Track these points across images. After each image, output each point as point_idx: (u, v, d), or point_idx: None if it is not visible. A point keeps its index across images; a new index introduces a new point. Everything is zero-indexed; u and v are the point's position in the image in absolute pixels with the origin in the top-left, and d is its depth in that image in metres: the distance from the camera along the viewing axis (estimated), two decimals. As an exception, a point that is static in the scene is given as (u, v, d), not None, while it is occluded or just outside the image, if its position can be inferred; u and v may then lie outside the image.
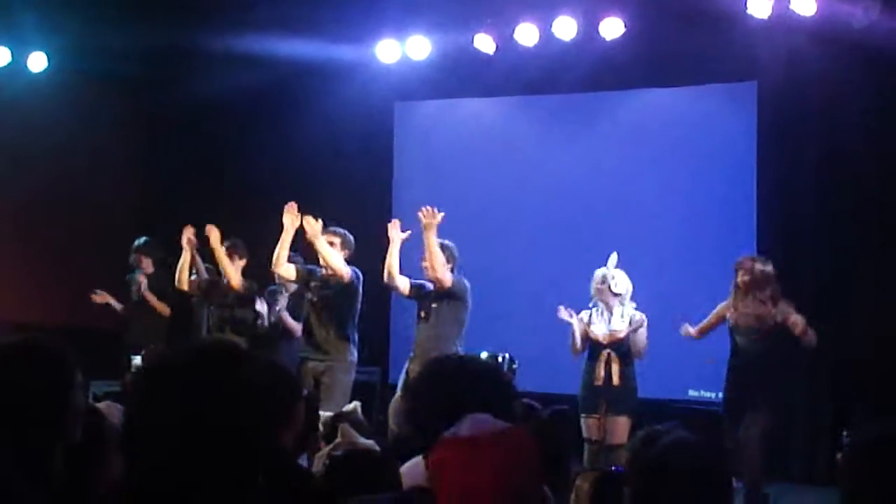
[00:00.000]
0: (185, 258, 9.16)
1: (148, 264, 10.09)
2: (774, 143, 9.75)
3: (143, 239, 10.18)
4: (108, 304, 10.18)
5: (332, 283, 8.27)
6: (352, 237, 8.45)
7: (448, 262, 8.13)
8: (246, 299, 9.13)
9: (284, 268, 8.40)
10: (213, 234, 8.93)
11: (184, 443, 1.89)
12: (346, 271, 8.20)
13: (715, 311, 8.08)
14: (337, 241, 8.31)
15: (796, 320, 7.63)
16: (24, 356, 2.67)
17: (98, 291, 10.15)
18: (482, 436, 2.37)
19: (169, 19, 10.11)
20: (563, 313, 8.26)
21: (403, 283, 8.28)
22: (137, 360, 9.16)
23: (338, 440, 4.28)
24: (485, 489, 2.31)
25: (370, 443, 4.47)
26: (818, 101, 9.50)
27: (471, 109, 11.18)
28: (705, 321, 8.14)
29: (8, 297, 10.63)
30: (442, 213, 8.02)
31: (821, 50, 9.27)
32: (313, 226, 8.10)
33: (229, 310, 9.17)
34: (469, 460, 2.29)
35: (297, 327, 8.95)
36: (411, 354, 8.23)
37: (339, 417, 5.41)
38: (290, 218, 8.24)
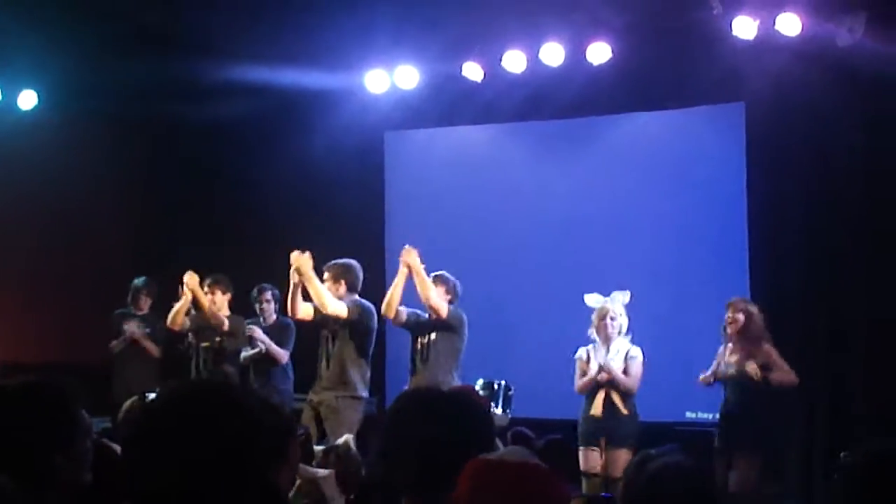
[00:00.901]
0: (184, 302, 9.04)
1: (146, 304, 10.09)
2: (763, 162, 9.77)
3: (142, 279, 10.15)
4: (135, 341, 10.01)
5: (342, 320, 8.20)
6: (346, 264, 8.33)
7: (447, 293, 8.16)
8: (232, 335, 9.13)
9: (302, 311, 8.28)
10: (193, 279, 8.89)
11: (180, 478, 1.90)
12: (337, 308, 8.07)
13: (714, 365, 8.09)
14: (327, 275, 8.24)
15: (754, 369, 7.67)
16: (23, 397, 2.66)
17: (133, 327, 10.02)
18: (519, 462, 2.32)
19: (157, 53, 10.14)
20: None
21: (399, 314, 8.25)
22: (152, 397, 9.12)
23: (298, 481, 4.21)
24: None
25: (326, 472, 4.45)
26: (805, 119, 9.52)
27: (460, 137, 11.19)
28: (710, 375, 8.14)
29: (9, 335, 10.61)
30: (415, 249, 8.04)
31: (806, 69, 9.30)
32: (302, 265, 7.96)
33: (218, 344, 9.16)
34: (500, 483, 2.25)
35: (282, 354, 8.99)
36: (408, 384, 8.22)
37: (327, 452, 5.40)
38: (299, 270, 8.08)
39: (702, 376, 8.11)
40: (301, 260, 7.98)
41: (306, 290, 8.12)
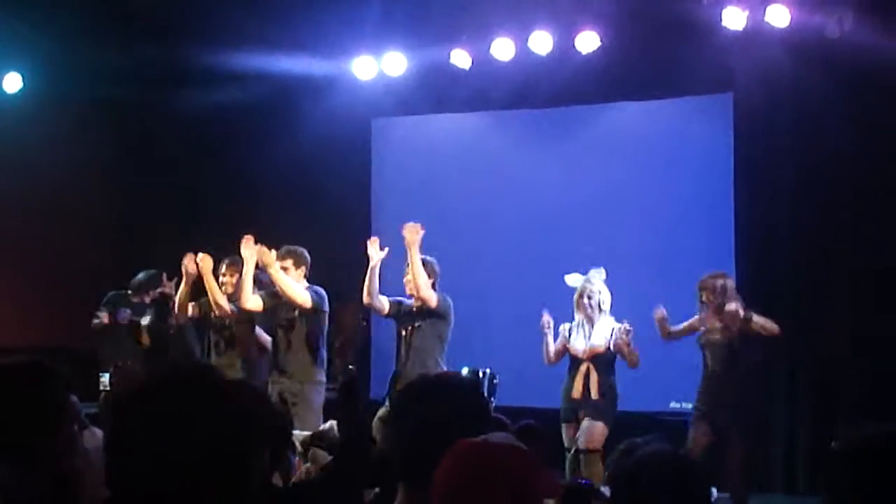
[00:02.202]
0: (184, 289, 8.82)
1: (148, 299, 9.96)
2: (751, 153, 9.78)
3: (153, 271, 9.98)
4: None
5: (296, 306, 8.18)
6: (305, 251, 8.31)
7: (430, 277, 8.10)
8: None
9: (251, 302, 8.26)
10: (206, 262, 8.72)
11: (161, 469, 1.88)
12: (304, 298, 8.07)
13: (688, 322, 8.15)
14: (289, 262, 8.19)
15: (756, 321, 7.71)
16: (8, 379, 2.62)
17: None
18: (503, 445, 2.33)
19: (144, 38, 10.11)
20: (544, 321, 8.27)
21: (382, 304, 8.21)
22: (105, 378, 9.06)
23: (308, 465, 4.28)
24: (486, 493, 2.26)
25: None
26: (793, 110, 9.54)
27: (448, 125, 11.17)
28: (678, 328, 8.20)
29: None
30: (423, 230, 7.97)
31: (795, 60, 9.32)
32: (266, 255, 7.94)
33: (226, 332, 9.03)
34: (483, 465, 2.25)
35: (268, 340, 8.92)
36: (394, 372, 8.19)
37: (316, 437, 5.41)
38: (248, 251, 8.08)
39: (661, 312, 8.16)
40: (265, 254, 7.93)
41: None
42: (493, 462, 2.22)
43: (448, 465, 2.24)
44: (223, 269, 8.82)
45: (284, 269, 8.14)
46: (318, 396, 8.13)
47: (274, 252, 8.05)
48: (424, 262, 8.04)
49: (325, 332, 8.34)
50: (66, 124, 11.01)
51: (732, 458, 7.73)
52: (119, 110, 11.31)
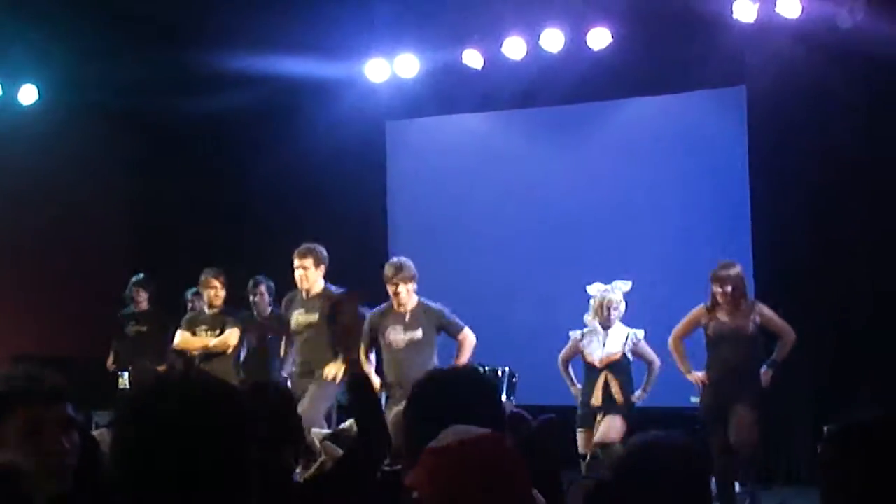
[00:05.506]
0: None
1: (143, 299, 10.10)
2: (765, 145, 9.76)
3: (140, 275, 10.17)
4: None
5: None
6: (324, 250, 8.28)
7: (413, 281, 8.08)
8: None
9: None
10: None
11: (156, 472, 1.92)
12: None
13: (689, 317, 8.09)
14: (309, 261, 8.18)
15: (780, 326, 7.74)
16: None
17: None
18: (463, 443, 2.34)
19: (157, 46, 10.15)
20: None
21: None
22: (125, 376, 9.18)
23: (323, 458, 4.34)
24: (468, 495, 2.28)
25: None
26: (807, 101, 9.49)
27: (462, 125, 11.17)
28: (682, 327, 8.13)
29: (13, 330, 10.64)
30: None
31: (808, 51, 9.28)
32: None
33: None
34: (450, 467, 2.27)
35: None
36: (387, 384, 8.08)
37: (336, 435, 5.44)
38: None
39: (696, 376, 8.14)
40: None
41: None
42: (463, 460, 2.23)
43: (424, 476, 2.26)
44: (202, 277, 8.88)
45: (304, 268, 8.15)
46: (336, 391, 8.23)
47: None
48: (403, 264, 8.05)
49: None
50: (82, 135, 11.08)
51: (741, 423, 7.69)
52: (134, 119, 11.39)
